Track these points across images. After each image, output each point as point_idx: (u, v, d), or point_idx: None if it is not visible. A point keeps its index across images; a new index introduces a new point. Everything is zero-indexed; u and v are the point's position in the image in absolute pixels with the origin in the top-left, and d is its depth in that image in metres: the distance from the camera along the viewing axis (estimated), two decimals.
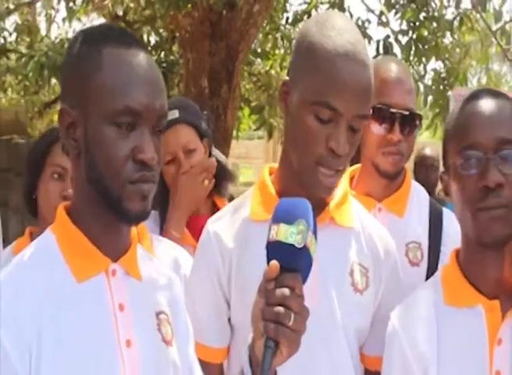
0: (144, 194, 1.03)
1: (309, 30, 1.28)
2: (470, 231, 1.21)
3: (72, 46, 1.08)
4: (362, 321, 1.35)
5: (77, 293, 1.03)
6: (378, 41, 5.65)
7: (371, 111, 1.62)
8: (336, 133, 1.23)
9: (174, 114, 1.87)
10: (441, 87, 5.95)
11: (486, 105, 1.22)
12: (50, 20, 9.55)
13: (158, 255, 1.56)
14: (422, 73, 6.04)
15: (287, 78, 1.31)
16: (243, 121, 7.54)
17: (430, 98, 5.91)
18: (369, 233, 1.38)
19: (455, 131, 1.24)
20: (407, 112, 1.62)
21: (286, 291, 0.96)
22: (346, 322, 1.31)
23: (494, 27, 5.80)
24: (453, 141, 1.24)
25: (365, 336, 1.37)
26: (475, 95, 1.25)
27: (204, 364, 1.28)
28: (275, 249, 0.98)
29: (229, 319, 1.40)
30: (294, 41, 1.34)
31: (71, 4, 5.75)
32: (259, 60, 6.75)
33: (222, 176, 1.99)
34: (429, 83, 6.09)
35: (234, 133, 5.85)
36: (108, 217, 1.05)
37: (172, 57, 6.20)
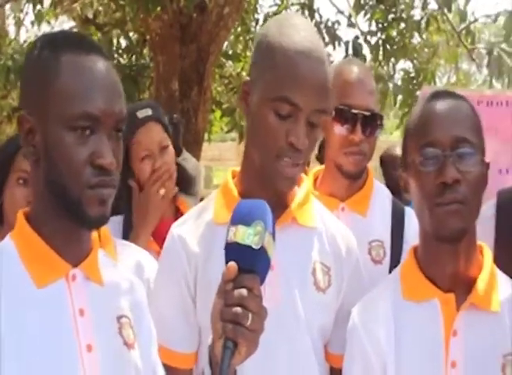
0: (103, 199, 1.03)
1: (268, 30, 1.31)
2: (427, 226, 1.24)
3: (31, 52, 1.08)
4: (326, 319, 1.36)
5: (37, 299, 1.03)
6: (347, 42, 5.70)
7: (334, 112, 1.65)
8: (295, 128, 1.25)
9: (147, 112, 1.90)
10: (410, 86, 6.02)
11: (444, 105, 1.26)
12: (19, 23, 9.44)
13: (121, 260, 1.56)
14: (392, 72, 6.11)
15: (248, 78, 1.33)
16: (215, 123, 7.53)
17: (400, 97, 5.98)
18: (331, 232, 1.39)
19: (415, 130, 1.28)
20: (368, 113, 1.65)
21: (244, 291, 0.97)
22: (309, 320, 1.32)
23: (460, 27, 5.89)
24: (413, 139, 1.28)
25: (329, 334, 1.38)
26: (435, 96, 1.29)
27: (171, 370, 1.28)
28: (233, 251, 0.99)
29: None
30: (255, 42, 1.36)
31: (38, 6, 5.69)
32: (230, 62, 6.75)
33: (186, 183, 2.01)
34: (399, 83, 6.16)
35: (206, 135, 5.84)
36: (68, 222, 1.05)
37: (142, 60, 6.17)
